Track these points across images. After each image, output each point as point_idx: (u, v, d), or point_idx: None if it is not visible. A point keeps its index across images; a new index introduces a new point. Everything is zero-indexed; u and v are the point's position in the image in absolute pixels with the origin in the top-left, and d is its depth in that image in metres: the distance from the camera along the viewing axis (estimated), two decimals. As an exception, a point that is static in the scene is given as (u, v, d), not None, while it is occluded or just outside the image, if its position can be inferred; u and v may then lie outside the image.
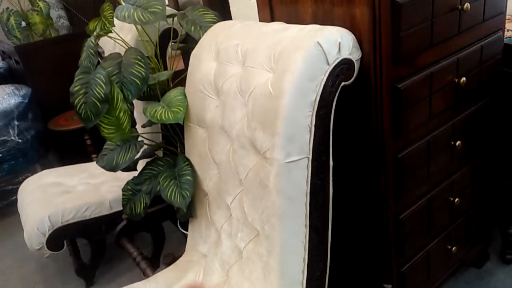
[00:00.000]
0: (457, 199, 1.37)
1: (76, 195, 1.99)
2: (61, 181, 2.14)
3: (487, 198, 1.55)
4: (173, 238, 2.13)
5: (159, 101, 1.39)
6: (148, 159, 1.55)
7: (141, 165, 1.54)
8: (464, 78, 1.21)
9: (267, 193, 1.02)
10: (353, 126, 1.15)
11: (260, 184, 1.04)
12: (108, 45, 1.93)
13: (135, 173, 1.52)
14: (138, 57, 1.35)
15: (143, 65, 1.34)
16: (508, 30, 1.64)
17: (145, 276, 1.53)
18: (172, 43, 1.72)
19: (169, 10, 1.63)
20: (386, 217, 1.20)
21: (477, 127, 1.38)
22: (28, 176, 2.33)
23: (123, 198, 1.55)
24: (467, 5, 1.13)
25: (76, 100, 1.27)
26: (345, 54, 1.00)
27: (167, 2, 2.00)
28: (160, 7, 1.34)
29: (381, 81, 1.05)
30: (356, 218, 1.28)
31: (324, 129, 1.01)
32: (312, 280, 1.06)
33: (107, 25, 1.56)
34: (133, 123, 1.66)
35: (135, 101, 1.70)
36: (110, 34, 1.56)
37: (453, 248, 1.44)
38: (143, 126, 1.58)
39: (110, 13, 1.54)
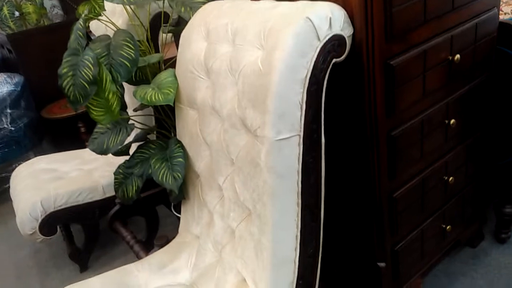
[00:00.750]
0: (451, 178, 1.37)
1: (68, 180, 1.98)
2: (54, 167, 2.13)
3: (482, 178, 1.54)
4: (167, 222, 2.13)
5: (149, 84, 1.38)
6: (141, 143, 1.54)
7: (133, 149, 1.52)
8: (458, 56, 1.20)
9: (258, 172, 1.01)
10: (345, 104, 1.14)
11: (251, 163, 1.03)
12: (99, 30, 1.90)
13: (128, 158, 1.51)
14: (127, 39, 1.33)
15: (133, 47, 1.32)
16: (505, 14, 1.62)
17: (139, 258, 1.53)
18: (164, 27, 1.69)
19: (159, -9, 1.60)
20: (380, 195, 1.20)
21: (472, 106, 1.37)
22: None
23: (115, 182, 1.54)
24: (460, -21, 1.11)
25: (64, 82, 1.25)
26: (336, 30, 0.98)
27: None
28: (149, -13, 1.32)
29: (373, 58, 1.04)
30: (349, 196, 1.27)
31: (315, 106, 1.00)
32: (305, 258, 1.06)
33: (97, 8, 1.53)
34: (124, 106, 1.64)
35: (126, 86, 1.68)
36: (101, 18, 1.53)
37: (448, 227, 1.44)
38: (135, 110, 1.56)
39: (100, -4, 1.51)
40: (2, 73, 2.89)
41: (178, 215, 1.79)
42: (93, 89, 1.25)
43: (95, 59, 1.24)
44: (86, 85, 1.24)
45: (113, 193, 1.80)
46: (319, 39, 0.96)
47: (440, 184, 1.36)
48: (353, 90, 1.10)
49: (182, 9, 1.42)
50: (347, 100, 1.13)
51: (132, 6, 1.57)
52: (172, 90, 1.27)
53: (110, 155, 1.54)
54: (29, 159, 2.32)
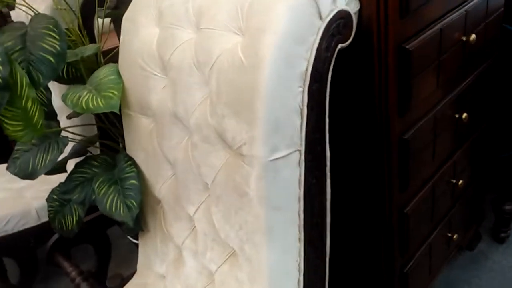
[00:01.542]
0: (460, 181, 1.17)
1: (-7, 206, 1.61)
2: (-27, 189, 1.73)
3: (483, 174, 1.37)
4: (121, 244, 1.81)
5: (85, 83, 1.05)
6: (80, 158, 1.21)
7: (71, 165, 1.19)
8: (474, 36, 0.98)
9: (247, 203, 0.74)
10: (348, 102, 0.89)
11: (235, 190, 0.76)
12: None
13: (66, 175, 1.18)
14: (50, 26, 0.98)
15: (57, 36, 0.98)
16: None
17: (88, 302, 1.22)
18: (100, 11, 1.35)
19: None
20: (390, 212, 0.97)
21: (480, 94, 1.17)
22: None
23: (49, 211, 1.21)
24: None
25: (-38, 89, 0.90)
26: (341, 5, 0.72)
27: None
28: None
29: (386, 40, 0.79)
30: (354, 216, 1.03)
31: (318, 109, 0.74)
32: (311, 309, 0.81)
33: (12, -10, 1.18)
34: (53, 114, 1.30)
35: (55, 86, 1.34)
36: (18, 3, 1.18)
37: (454, 236, 1.25)
38: (68, 117, 1.23)
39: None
40: None
41: (135, 241, 1.49)
42: (4, 97, 0.90)
43: (4, 55, 0.90)
44: (-5, 91, 0.90)
45: (49, 220, 1.46)
46: (321, 18, 0.69)
47: (448, 188, 1.16)
48: (358, 84, 0.85)
49: (122, -15, 1.10)
50: (350, 97, 0.88)
51: (56, -15, 1.22)
52: (115, 93, 0.95)
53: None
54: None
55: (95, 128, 1.39)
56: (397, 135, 0.89)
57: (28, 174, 1.11)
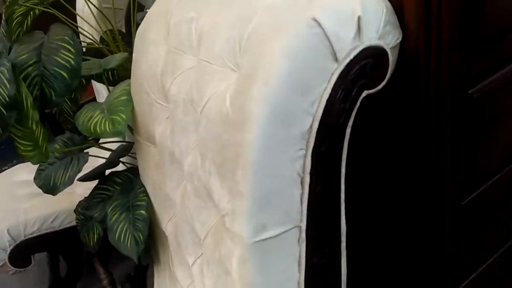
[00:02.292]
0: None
1: (45, 200, 1.63)
2: (34, 179, 1.80)
3: None
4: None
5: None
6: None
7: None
8: None
9: (231, 284, 0.60)
10: (376, 159, 0.69)
11: (221, 264, 0.62)
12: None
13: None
14: (66, 38, 0.91)
15: (73, 49, 0.90)
16: None
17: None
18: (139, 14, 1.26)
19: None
20: None
21: None
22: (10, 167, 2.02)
23: (76, 222, 1.19)
24: None
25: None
26: (370, 39, 0.52)
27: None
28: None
29: (439, 83, 0.58)
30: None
31: (330, 175, 0.56)
32: None
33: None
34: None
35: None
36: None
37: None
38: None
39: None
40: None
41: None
42: (12, 116, 0.86)
43: (11, 72, 0.85)
44: (2, 109, 0.85)
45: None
46: (336, 59, 0.51)
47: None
48: (395, 141, 0.65)
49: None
50: (382, 154, 0.68)
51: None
52: (124, 117, 0.85)
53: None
54: (13, 165, 2.01)
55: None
56: (450, 202, 0.68)
57: (51, 189, 1.08)
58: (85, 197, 1.14)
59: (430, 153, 0.62)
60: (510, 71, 0.63)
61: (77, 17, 1.31)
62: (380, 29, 0.52)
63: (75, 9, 1.36)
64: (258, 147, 0.50)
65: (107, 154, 1.17)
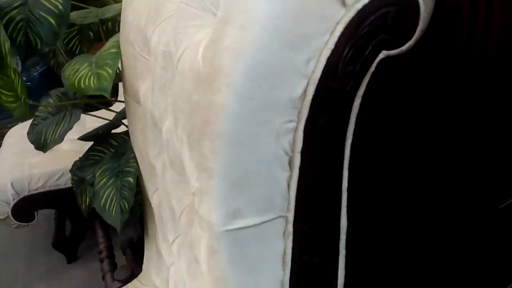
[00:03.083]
0: None
1: (52, 156, 1.58)
2: (48, 133, 1.75)
3: None
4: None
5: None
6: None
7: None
8: None
9: (199, 276, 0.50)
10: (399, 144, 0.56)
11: (191, 250, 0.52)
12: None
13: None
14: (54, -21, 0.81)
15: (61, -7, 0.80)
16: None
17: (102, 273, 1.13)
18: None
19: None
20: None
21: None
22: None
23: (72, 182, 1.12)
24: None
25: None
26: (393, -24, 0.39)
27: None
28: None
29: (487, 43, 0.44)
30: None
31: (327, 159, 0.44)
32: None
33: None
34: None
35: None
36: None
37: None
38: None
39: None
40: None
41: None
42: (-9, 63, 0.77)
43: (-12, 13, 0.75)
44: (-21, 55, 0.77)
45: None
46: (344, 3, 0.38)
47: None
48: (423, 120, 0.51)
49: None
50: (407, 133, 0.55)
51: None
52: (109, 71, 0.75)
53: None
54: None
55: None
56: (488, 201, 0.54)
57: (41, 146, 1.01)
58: (80, 157, 1.07)
59: (469, 139, 0.49)
60: None
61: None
62: (408, -37, 0.38)
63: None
64: (231, 112, 0.39)
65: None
